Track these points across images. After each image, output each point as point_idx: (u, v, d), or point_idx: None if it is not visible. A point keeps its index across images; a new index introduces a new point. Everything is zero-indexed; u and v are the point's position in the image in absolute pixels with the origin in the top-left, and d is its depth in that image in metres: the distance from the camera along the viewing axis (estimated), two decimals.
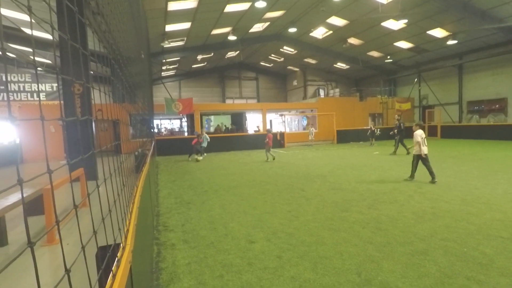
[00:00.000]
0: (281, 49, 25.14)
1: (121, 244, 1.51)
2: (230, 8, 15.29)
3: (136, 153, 4.50)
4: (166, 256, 3.71)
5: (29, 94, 17.04)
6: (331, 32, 20.34)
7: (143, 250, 2.64)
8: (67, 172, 1.30)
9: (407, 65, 25.06)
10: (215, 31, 18.60)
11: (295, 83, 31.88)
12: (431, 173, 7.34)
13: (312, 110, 24.10)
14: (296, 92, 31.62)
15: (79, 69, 5.19)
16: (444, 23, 17.19)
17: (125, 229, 1.73)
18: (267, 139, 12.91)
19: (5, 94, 16.14)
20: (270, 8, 16.17)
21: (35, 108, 13.39)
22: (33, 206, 4.20)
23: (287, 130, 23.91)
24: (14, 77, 16.66)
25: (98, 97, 1.64)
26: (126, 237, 1.64)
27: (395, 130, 13.82)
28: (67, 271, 0.86)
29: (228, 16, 16.35)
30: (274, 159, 12.99)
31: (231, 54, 25.72)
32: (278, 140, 19.48)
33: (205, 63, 27.27)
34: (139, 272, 2.01)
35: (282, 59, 27.54)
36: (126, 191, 2.12)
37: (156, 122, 25.42)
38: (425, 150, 7.33)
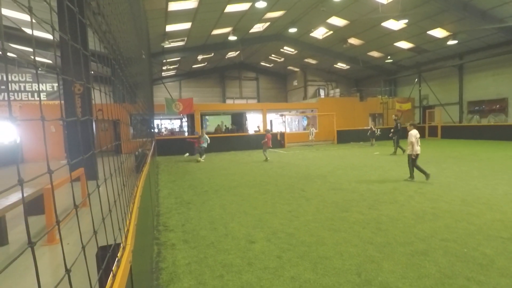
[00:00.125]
0: (281, 49, 25.15)
1: (121, 244, 1.51)
2: (230, 8, 15.29)
3: (137, 153, 4.50)
4: (166, 256, 3.71)
5: (29, 94, 17.06)
6: (331, 32, 20.34)
7: (143, 250, 2.64)
8: (68, 172, 1.30)
9: (408, 65, 25.05)
10: (216, 31, 18.61)
11: (295, 83, 31.88)
12: (422, 171, 7.48)
13: (312, 110, 24.09)
14: (296, 92, 31.62)
15: (79, 69, 5.19)
16: (444, 23, 17.18)
17: (125, 229, 1.73)
18: (266, 139, 12.94)
19: (5, 94, 16.17)
20: (270, 8, 16.18)
21: (35, 108, 13.41)
22: (34, 206, 4.20)
23: (288, 130, 23.91)
24: (14, 77, 16.68)
25: (98, 97, 1.64)
26: (126, 237, 1.64)
27: (392, 130, 13.89)
28: (68, 271, 0.86)
29: (228, 16, 16.35)
30: (266, 159, 12.91)
31: (231, 54, 25.72)
32: (279, 140, 19.48)
33: (206, 63, 27.28)
34: (139, 272, 2.02)
35: (282, 59, 27.54)
36: (127, 191, 2.12)
37: (156, 122, 25.43)
38: (417, 150, 7.46)
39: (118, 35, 2.71)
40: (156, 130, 23.05)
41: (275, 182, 8.13)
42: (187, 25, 16.57)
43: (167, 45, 17.94)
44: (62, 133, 12.72)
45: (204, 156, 13.91)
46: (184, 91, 29.48)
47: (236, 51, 24.01)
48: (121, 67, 2.51)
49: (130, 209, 2.15)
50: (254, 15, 17.06)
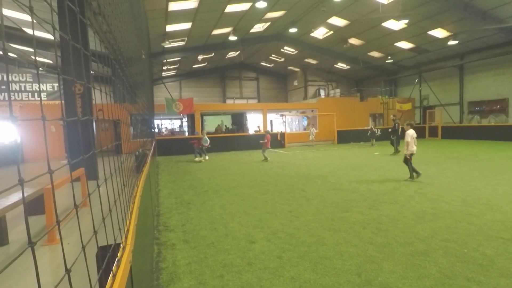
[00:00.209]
0: (281, 49, 25.14)
1: (122, 244, 1.51)
2: (230, 8, 15.29)
3: (137, 153, 4.51)
4: (166, 256, 3.71)
5: (30, 94, 17.06)
6: (331, 32, 20.33)
7: (144, 250, 2.64)
8: (68, 172, 1.31)
9: (408, 65, 25.04)
10: (216, 31, 18.61)
11: (295, 83, 31.88)
12: (414, 170, 7.59)
13: (312, 111, 24.09)
14: (296, 92, 31.62)
15: (80, 69, 5.19)
16: (445, 23, 17.17)
17: (126, 229, 1.73)
18: (265, 140, 12.97)
19: (6, 94, 16.18)
20: (270, 9, 16.18)
21: (36, 108, 13.42)
22: (34, 206, 4.20)
23: (288, 130, 23.91)
24: (15, 77, 16.69)
25: (99, 97, 1.65)
26: (126, 237, 1.64)
27: (389, 130, 13.91)
28: (68, 271, 0.86)
29: (228, 16, 16.35)
30: (265, 159, 12.97)
31: (231, 54, 25.72)
32: (279, 141, 19.48)
33: (206, 63, 27.28)
34: (139, 272, 2.02)
35: (282, 59, 27.53)
36: (127, 191, 2.12)
37: (156, 122, 25.44)
38: (413, 150, 7.53)
39: (119, 35, 2.71)
40: (156, 130, 23.05)
41: (275, 182, 8.12)
42: (187, 25, 16.58)
43: (167, 45, 17.94)
44: (63, 133, 12.73)
45: (207, 157, 14.00)
46: (184, 91, 29.48)
47: (237, 51, 24.01)
48: (121, 67, 2.51)
49: (130, 209, 2.15)
50: (255, 15, 17.06)
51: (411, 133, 7.59)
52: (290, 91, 33.27)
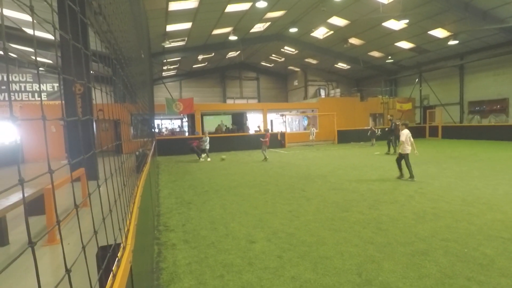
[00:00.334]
0: (282, 49, 25.13)
1: (122, 244, 1.51)
2: (230, 8, 15.28)
3: (137, 153, 4.51)
4: (166, 256, 3.71)
5: (30, 94, 17.06)
6: (332, 32, 20.32)
7: (144, 250, 2.64)
8: (68, 172, 1.31)
9: (408, 65, 25.02)
10: (216, 31, 18.60)
11: (296, 83, 31.87)
12: (400, 170, 7.80)
13: (312, 110, 24.09)
14: (297, 92, 31.61)
15: (80, 69, 5.19)
16: (445, 23, 17.16)
17: (126, 229, 1.73)
18: (266, 138, 13.03)
19: (6, 94, 16.19)
20: (271, 8, 16.17)
21: (36, 108, 13.42)
22: (34, 206, 4.20)
23: (288, 130, 23.90)
24: (15, 77, 16.69)
25: (99, 97, 1.64)
26: (126, 237, 1.64)
27: (386, 129, 13.94)
28: (68, 271, 0.86)
29: (228, 16, 16.35)
30: (265, 159, 13.00)
31: (232, 54, 25.71)
32: (279, 140, 19.48)
33: (206, 63, 27.27)
34: (139, 272, 2.02)
35: (283, 59, 27.52)
36: (127, 191, 2.12)
37: (157, 122, 25.44)
38: (407, 150, 7.61)
39: (119, 35, 2.71)
40: (156, 130, 23.06)
41: (276, 182, 8.12)
42: (187, 25, 16.57)
43: (168, 45, 17.94)
44: (63, 133, 12.74)
45: (209, 159, 14.03)
46: (184, 91, 29.47)
47: (237, 51, 24.00)
48: (122, 67, 2.51)
49: (131, 209, 2.15)
50: (255, 15, 17.05)
51: (406, 132, 7.68)
52: (290, 91, 33.26)
